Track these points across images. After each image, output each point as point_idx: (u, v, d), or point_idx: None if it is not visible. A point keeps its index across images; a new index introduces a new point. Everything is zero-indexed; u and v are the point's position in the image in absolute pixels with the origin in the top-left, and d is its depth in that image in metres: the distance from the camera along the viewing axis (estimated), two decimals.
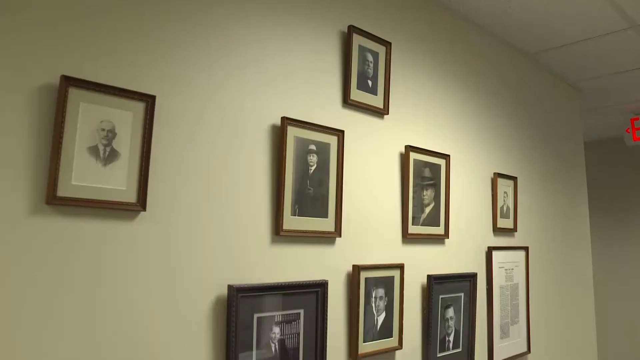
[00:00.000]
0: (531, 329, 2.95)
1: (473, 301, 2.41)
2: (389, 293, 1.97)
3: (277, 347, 1.59)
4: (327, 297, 1.72)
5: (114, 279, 1.29)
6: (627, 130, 4.43)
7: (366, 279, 1.87)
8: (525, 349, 2.82)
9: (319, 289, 1.71)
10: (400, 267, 2.01)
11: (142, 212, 1.35)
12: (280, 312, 1.61)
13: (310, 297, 1.69)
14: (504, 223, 2.77)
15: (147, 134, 1.36)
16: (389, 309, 1.96)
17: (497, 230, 2.71)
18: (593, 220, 5.71)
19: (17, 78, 1.17)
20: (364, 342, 1.85)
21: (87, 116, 1.27)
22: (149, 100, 1.37)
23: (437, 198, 2.25)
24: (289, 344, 1.62)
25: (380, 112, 2.04)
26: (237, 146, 1.57)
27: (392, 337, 1.96)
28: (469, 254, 2.49)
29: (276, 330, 1.59)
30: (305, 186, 1.71)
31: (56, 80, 1.23)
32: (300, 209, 1.68)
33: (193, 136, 1.47)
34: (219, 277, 1.49)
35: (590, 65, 3.30)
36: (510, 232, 2.83)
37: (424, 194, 2.19)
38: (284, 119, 1.66)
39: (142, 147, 1.36)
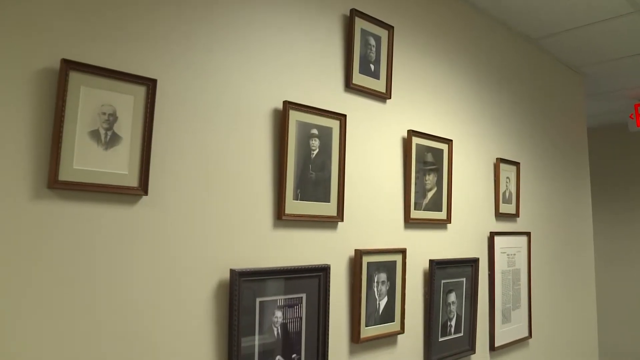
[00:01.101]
0: (533, 314, 2.96)
1: (475, 286, 2.41)
2: (391, 278, 1.97)
3: (279, 331, 1.59)
4: (329, 281, 1.72)
5: (115, 263, 1.29)
6: (630, 116, 4.41)
7: (368, 263, 1.87)
8: (526, 334, 2.83)
9: (321, 273, 1.71)
10: (403, 251, 2.01)
11: (143, 197, 1.35)
12: (283, 297, 1.61)
13: (312, 281, 1.69)
14: (506, 208, 2.76)
15: (148, 118, 1.36)
16: (391, 293, 1.97)
17: (499, 216, 2.71)
18: (595, 206, 5.71)
19: (17, 62, 1.17)
20: (366, 326, 1.86)
21: (88, 100, 1.26)
22: (150, 84, 1.36)
23: (439, 183, 2.24)
24: (291, 327, 1.63)
25: (383, 97, 2.03)
26: (239, 130, 1.57)
27: (394, 321, 1.97)
28: (471, 239, 2.49)
29: (278, 314, 1.60)
30: (307, 170, 1.70)
31: (56, 64, 1.22)
32: (302, 193, 1.68)
33: (194, 120, 1.47)
34: (221, 261, 1.50)
35: (594, 50, 3.27)
36: (512, 217, 2.83)
37: (427, 178, 2.18)
38: (285, 102, 1.65)
39: (144, 131, 1.35)
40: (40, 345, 1.16)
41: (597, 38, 3.06)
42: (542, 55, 3.30)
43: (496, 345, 2.56)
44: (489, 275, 2.60)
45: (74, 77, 1.24)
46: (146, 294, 1.34)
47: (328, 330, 1.71)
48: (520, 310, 2.80)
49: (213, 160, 1.50)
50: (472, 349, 2.37)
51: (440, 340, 2.19)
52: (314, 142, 1.73)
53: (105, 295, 1.27)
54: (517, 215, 2.84)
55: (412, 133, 2.11)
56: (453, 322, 2.27)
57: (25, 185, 1.16)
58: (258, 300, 1.54)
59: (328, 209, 1.76)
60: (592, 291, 3.73)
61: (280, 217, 1.62)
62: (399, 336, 2.03)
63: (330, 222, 1.79)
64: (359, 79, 1.93)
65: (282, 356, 1.60)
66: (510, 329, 2.70)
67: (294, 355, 1.63)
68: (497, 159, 2.70)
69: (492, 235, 2.61)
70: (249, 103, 1.60)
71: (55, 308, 1.19)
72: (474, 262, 2.42)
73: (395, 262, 1.98)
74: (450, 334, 2.25)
